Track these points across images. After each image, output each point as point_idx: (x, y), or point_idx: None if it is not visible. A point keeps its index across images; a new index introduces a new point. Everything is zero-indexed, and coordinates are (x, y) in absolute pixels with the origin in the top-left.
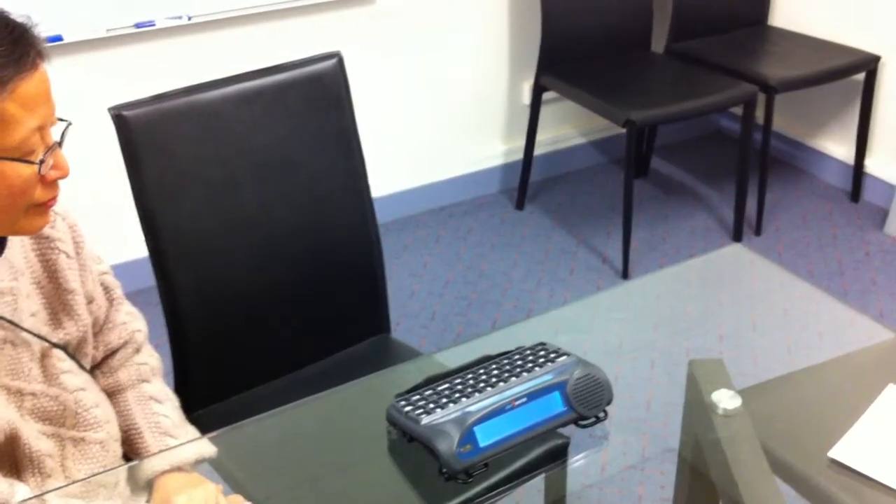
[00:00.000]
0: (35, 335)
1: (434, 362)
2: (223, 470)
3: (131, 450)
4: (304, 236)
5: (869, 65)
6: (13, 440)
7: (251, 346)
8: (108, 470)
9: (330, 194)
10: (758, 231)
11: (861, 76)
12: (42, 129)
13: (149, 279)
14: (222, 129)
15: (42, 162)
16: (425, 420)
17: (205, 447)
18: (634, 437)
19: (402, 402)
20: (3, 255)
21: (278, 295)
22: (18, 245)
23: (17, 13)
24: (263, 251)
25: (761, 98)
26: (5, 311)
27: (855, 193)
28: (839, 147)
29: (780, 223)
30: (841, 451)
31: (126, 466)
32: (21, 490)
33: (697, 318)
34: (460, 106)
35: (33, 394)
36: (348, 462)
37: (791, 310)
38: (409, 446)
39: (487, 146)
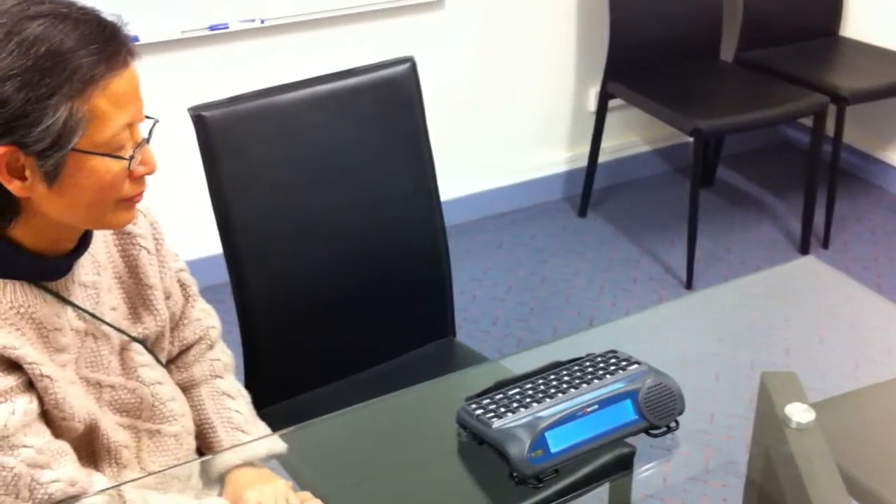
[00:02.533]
0: (115, 329)
1: (501, 367)
2: (291, 467)
3: (204, 444)
4: (374, 239)
5: None
6: (92, 430)
7: (318, 345)
8: (183, 463)
9: (400, 198)
10: (825, 244)
11: None
12: (131, 126)
13: (220, 276)
14: (296, 131)
15: (132, 158)
16: (496, 424)
17: (276, 444)
18: (697, 449)
19: (473, 406)
20: (88, 249)
21: (345, 296)
22: (101, 240)
23: (108, 12)
24: (333, 253)
25: (832, 109)
26: (88, 305)
27: None
28: None
29: (848, 237)
30: None
31: (199, 461)
32: (99, 480)
33: (763, 330)
34: (526, 112)
35: (112, 386)
36: (416, 462)
37: (859, 324)
38: (479, 449)
39: (552, 152)
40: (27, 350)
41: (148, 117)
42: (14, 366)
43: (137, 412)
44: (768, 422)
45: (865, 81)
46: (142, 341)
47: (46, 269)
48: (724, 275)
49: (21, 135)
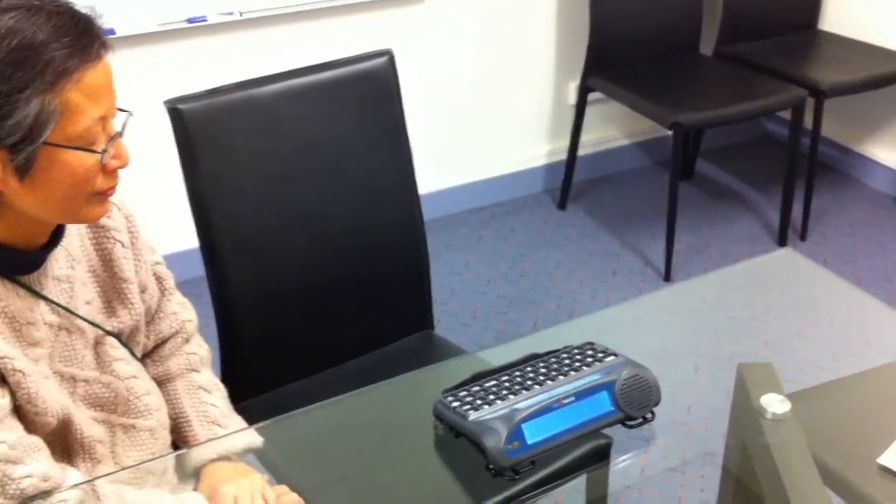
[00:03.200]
0: (90, 322)
1: (479, 360)
2: (268, 461)
3: (180, 438)
4: (354, 232)
5: None
6: (66, 425)
7: (298, 338)
8: (158, 457)
9: (380, 191)
10: (803, 237)
11: None
12: (104, 120)
13: (197, 269)
14: (275, 124)
15: (104, 151)
16: (473, 416)
17: (252, 437)
18: (676, 440)
19: (450, 398)
20: (61, 243)
21: (324, 289)
22: (76, 233)
23: (82, 5)
24: (313, 245)
25: (810, 103)
26: (62, 298)
27: None
28: (888, 153)
29: (827, 229)
30: (890, 458)
31: (174, 455)
32: (73, 475)
33: (742, 322)
34: (506, 105)
35: (86, 380)
36: (393, 455)
37: (837, 316)
38: (456, 442)
39: (532, 146)
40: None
41: (121, 110)
42: None
43: (112, 406)
44: (745, 413)
45: (844, 75)
46: (116, 335)
47: (19, 263)
48: (703, 267)
49: None
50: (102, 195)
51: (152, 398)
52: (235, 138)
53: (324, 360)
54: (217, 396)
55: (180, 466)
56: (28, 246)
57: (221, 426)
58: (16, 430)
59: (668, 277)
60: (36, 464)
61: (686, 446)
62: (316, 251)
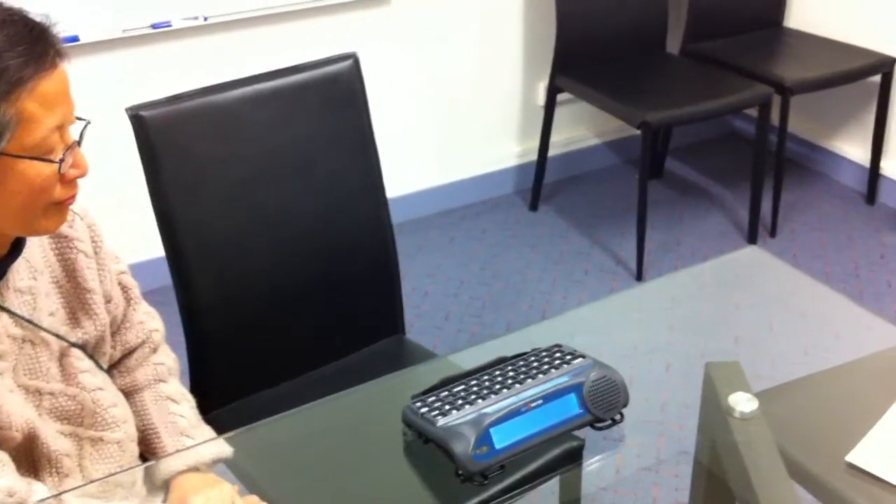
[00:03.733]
0: (54, 334)
1: (449, 363)
2: (239, 470)
3: (148, 450)
4: (321, 236)
5: (885, 67)
6: (32, 439)
7: (267, 345)
8: (126, 469)
9: (346, 194)
10: (773, 233)
11: (877, 78)
12: (61, 129)
13: (164, 279)
14: (239, 129)
15: (62, 161)
16: (441, 421)
17: (221, 447)
18: (649, 440)
19: (418, 404)
20: (23, 254)
21: (294, 295)
22: (38, 244)
23: (36, 12)
24: (280, 251)
25: (777, 100)
26: (24, 311)
27: (871, 196)
28: (855, 149)
29: (796, 225)
30: (859, 455)
31: (143, 466)
32: (39, 489)
33: (713, 320)
34: (475, 107)
35: (52, 393)
36: (364, 463)
37: (807, 312)
38: (425, 447)
39: (502, 147)
40: None
41: (79, 118)
42: None
43: (79, 419)
44: (713, 412)
45: (809, 71)
46: (81, 346)
47: None
48: (674, 265)
49: None
50: (61, 205)
51: (119, 410)
52: (199, 144)
53: (294, 367)
54: (185, 407)
55: (149, 478)
56: None
57: (190, 437)
58: None
59: (639, 276)
60: (1, 479)
61: (660, 445)
62: (283, 257)
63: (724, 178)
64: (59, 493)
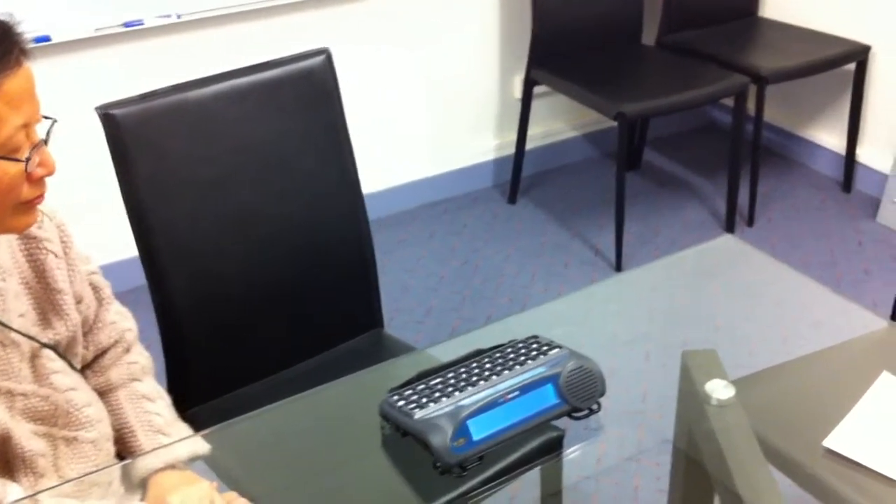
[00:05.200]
0: (24, 335)
1: (427, 357)
2: (218, 467)
3: (124, 448)
4: (297, 232)
5: (859, 55)
6: (5, 441)
7: (245, 343)
8: (101, 469)
9: (321, 190)
10: (750, 222)
11: (852, 66)
12: (27, 127)
13: (138, 279)
14: (212, 126)
15: (28, 160)
16: (418, 414)
17: (198, 445)
18: (630, 429)
19: (395, 397)
20: None
21: (271, 291)
22: (6, 245)
23: (0, 11)
24: (256, 248)
25: (752, 89)
26: None
27: (847, 183)
28: (831, 137)
29: (773, 214)
30: (836, 440)
31: (119, 465)
32: (14, 490)
33: (692, 309)
34: (451, 101)
35: (24, 394)
36: (343, 457)
37: (785, 300)
38: (403, 441)
39: (479, 141)
40: None
41: (46, 117)
42: None
43: (53, 419)
44: (690, 400)
45: (784, 61)
46: (53, 347)
47: None
48: (653, 256)
49: None
50: (29, 204)
51: (93, 409)
52: (171, 142)
53: (271, 364)
54: (161, 405)
55: (126, 477)
56: None
57: (166, 434)
58: None
59: (619, 267)
60: None
61: (641, 434)
62: (258, 254)
63: (701, 168)
64: (35, 494)
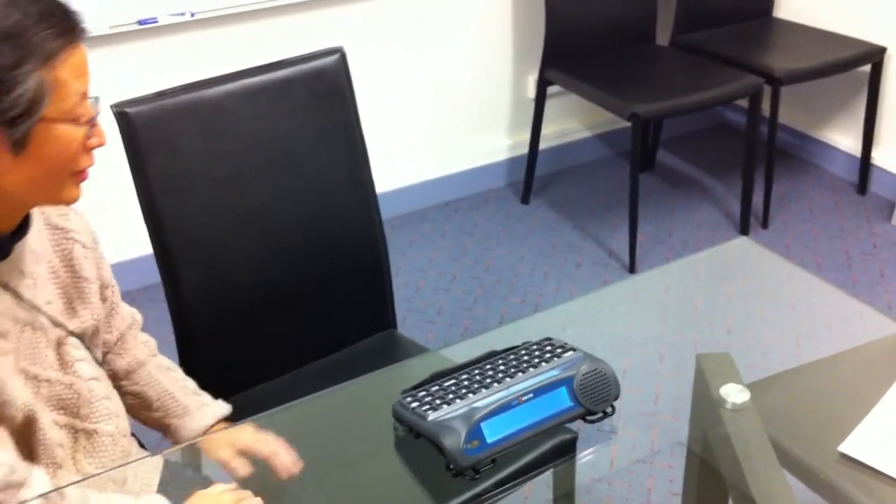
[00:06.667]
0: (53, 321)
1: (440, 358)
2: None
3: (166, 415)
4: (310, 231)
5: (875, 56)
6: (30, 424)
7: (257, 341)
8: (120, 466)
9: (334, 189)
10: (765, 224)
11: (867, 68)
12: (84, 98)
13: (152, 276)
14: (226, 124)
15: (91, 124)
16: (432, 416)
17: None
18: (643, 431)
19: (409, 398)
20: (26, 237)
21: (284, 290)
22: (36, 233)
23: None
24: (269, 246)
25: (767, 90)
26: (26, 294)
27: (862, 185)
28: (846, 139)
29: (787, 216)
30: (851, 445)
31: (135, 461)
32: (38, 473)
33: (705, 311)
34: (465, 100)
35: (49, 380)
36: (355, 458)
37: (799, 303)
38: (416, 442)
39: (492, 140)
40: None
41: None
42: None
43: (74, 409)
44: (705, 403)
45: (799, 62)
46: (79, 336)
47: None
48: (666, 257)
49: None
50: (80, 176)
51: (112, 403)
52: (185, 141)
53: (284, 363)
54: (181, 373)
55: (176, 435)
56: None
57: (199, 395)
58: None
59: (632, 268)
60: (4, 453)
61: (654, 437)
62: (272, 253)
63: (715, 169)
64: (61, 488)
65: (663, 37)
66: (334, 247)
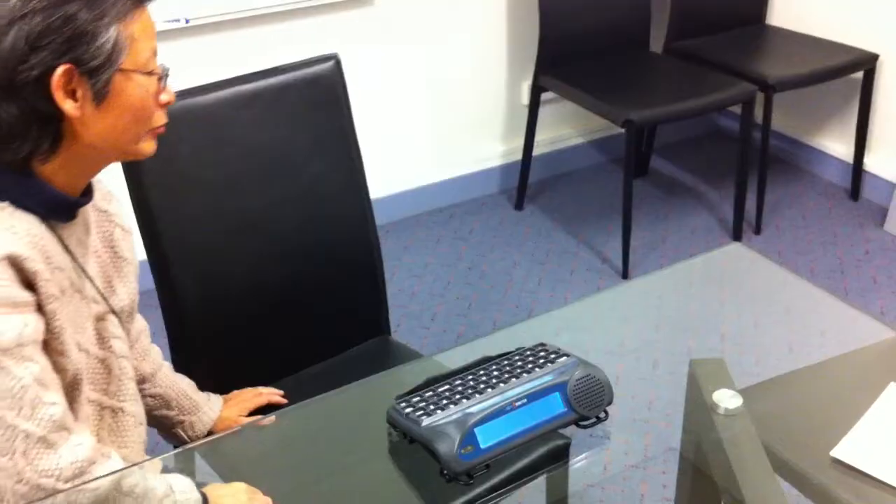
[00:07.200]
0: (99, 292)
1: (434, 363)
2: (225, 471)
3: (179, 413)
4: (305, 238)
5: (867, 63)
6: (75, 387)
7: (252, 347)
8: (145, 461)
9: (329, 195)
10: (758, 230)
11: (860, 74)
12: (155, 56)
13: (146, 282)
14: (221, 131)
15: (164, 76)
16: (426, 421)
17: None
18: (637, 437)
19: (403, 404)
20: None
21: (279, 296)
22: (89, 208)
23: None
24: (264, 253)
25: (760, 97)
26: (80, 260)
27: (855, 191)
28: (839, 145)
29: (781, 222)
30: (843, 451)
31: (150, 461)
32: (82, 428)
33: (699, 317)
34: (459, 107)
35: (87, 351)
36: (349, 464)
37: (792, 309)
38: (410, 448)
39: (486, 147)
40: (43, 268)
41: None
42: (29, 286)
43: (104, 385)
44: (698, 408)
45: (792, 69)
46: (118, 314)
47: (58, 207)
48: (660, 263)
49: (80, 52)
50: (154, 132)
51: (135, 386)
52: (180, 147)
53: (279, 369)
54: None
55: (190, 430)
56: (66, 192)
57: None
58: (46, 360)
59: (625, 274)
60: (57, 394)
61: (647, 442)
62: (266, 259)
63: (708, 175)
64: (126, 468)
65: (657, 44)
66: (329, 253)
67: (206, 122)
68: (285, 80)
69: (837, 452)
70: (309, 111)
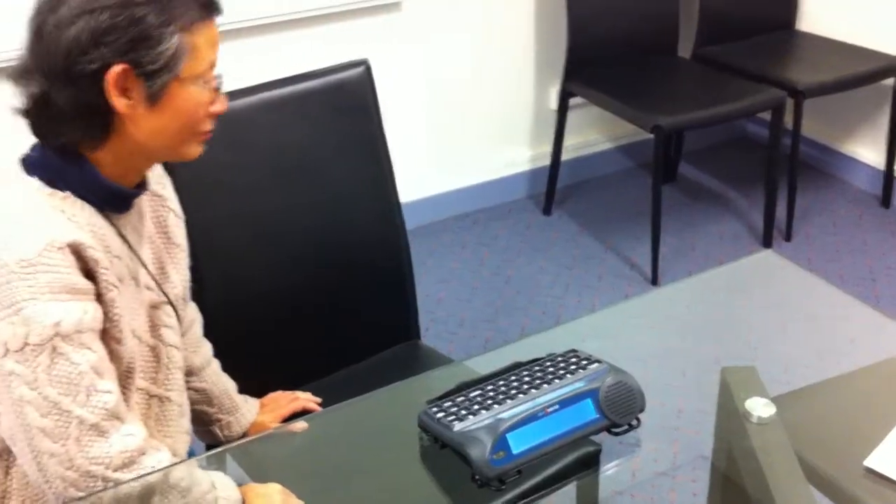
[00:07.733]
0: (155, 280)
1: (465, 369)
2: (255, 475)
3: (219, 411)
4: (332, 243)
5: None
6: (129, 375)
7: (279, 352)
8: (218, 451)
9: (357, 201)
10: (788, 237)
11: (890, 81)
12: (213, 68)
13: None
14: (250, 136)
15: (218, 88)
16: (458, 427)
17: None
18: (666, 445)
19: (434, 409)
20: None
21: (306, 301)
22: (144, 196)
23: None
24: (291, 257)
25: (789, 103)
26: (136, 248)
27: (886, 199)
28: (869, 152)
29: (811, 229)
30: (876, 460)
31: (182, 463)
32: (134, 418)
33: (728, 325)
34: (487, 111)
35: (139, 338)
36: (380, 468)
37: (822, 316)
38: (441, 453)
39: (514, 152)
40: (102, 257)
41: None
42: (89, 275)
43: (153, 373)
44: (730, 417)
45: (821, 75)
46: (172, 303)
47: (114, 198)
48: (689, 270)
49: (141, 54)
50: (204, 136)
51: (182, 377)
52: (208, 152)
53: (308, 373)
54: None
55: (228, 429)
56: (123, 184)
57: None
58: (103, 349)
59: (654, 281)
60: (111, 382)
61: (676, 450)
62: (294, 264)
63: (737, 181)
64: (168, 467)
65: (685, 49)
66: (358, 257)
67: (234, 126)
68: (314, 86)
69: (871, 462)
70: (338, 116)
